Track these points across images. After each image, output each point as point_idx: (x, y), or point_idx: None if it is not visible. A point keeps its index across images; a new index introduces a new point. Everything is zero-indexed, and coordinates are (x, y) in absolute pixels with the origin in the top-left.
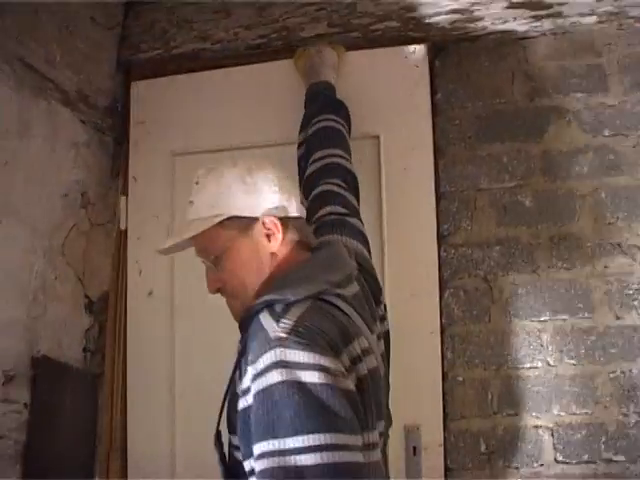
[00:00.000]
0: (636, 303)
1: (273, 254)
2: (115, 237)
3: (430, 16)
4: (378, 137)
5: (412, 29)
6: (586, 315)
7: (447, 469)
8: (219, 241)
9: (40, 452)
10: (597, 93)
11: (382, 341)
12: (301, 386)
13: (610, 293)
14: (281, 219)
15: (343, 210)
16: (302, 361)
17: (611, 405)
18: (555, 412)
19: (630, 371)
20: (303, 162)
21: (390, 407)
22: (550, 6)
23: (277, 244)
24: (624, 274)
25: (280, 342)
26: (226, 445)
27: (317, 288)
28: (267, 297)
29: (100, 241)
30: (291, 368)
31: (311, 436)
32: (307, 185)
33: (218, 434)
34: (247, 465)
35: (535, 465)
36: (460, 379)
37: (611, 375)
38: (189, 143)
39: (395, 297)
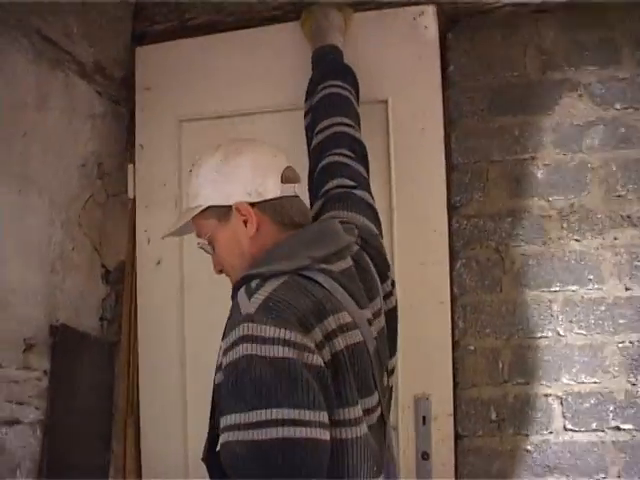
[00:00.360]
0: None
1: (252, 237)
2: (130, 207)
3: None
4: (386, 102)
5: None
6: (596, 286)
7: (458, 436)
8: (204, 229)
9: (60, 418)
10: (609, 66)
11: (382, 317)
12: (265, 360)
13: (620, 264)
14: (256, 204)
15: (350, 183)
16: (268, 336)
17: (619, 374)
18: (564, 381)
19: (638, 341)
20: (310, 132)
21: (393, 381)
22: None
23: (253, 228)
24: (634, 246)
25: (249, 317)
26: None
27: (296, 264)
28: (245, 274)
29: (116, 211)
30: (257, 343)
31: (269, 410)
32: (314, 157)
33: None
34: None
35: (544, 433)
36: (471, 348)
37: (620, 345)
38: (196, 109)
39: (404, 265)
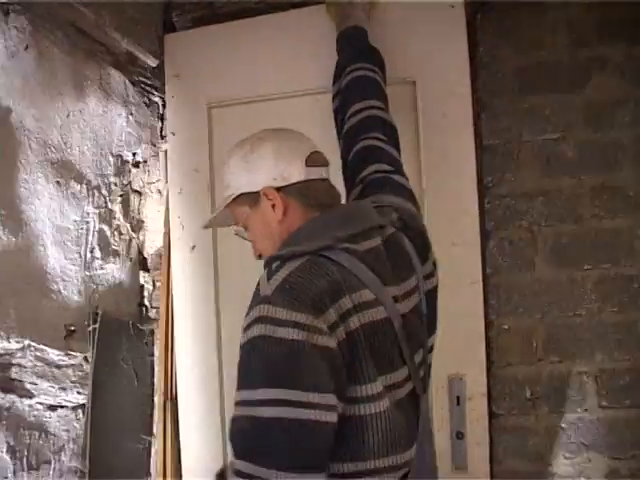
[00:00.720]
0: None
1: (280, 221)
2: (165, 194)
3: None
4: (414, 82)
5: None
6: (629, 263)
7: (492, 415)
8: (239, 216)
9: (102, 403)
10: (639, 43)
11: (417, 296)
12: (275, 341)
13: None
14: (282, 188)
15: (388, 167)
16: (281, 318)
17: None
18: (599, 358)
19: None
20: (339, 115)
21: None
22: None
23: (280, 212)
24: None
25: (266, 299)
26: None
27: (318, 244)
28: (268, 257)
29: (153, 199)
30: (269, 324)
31: (273, 390)
32: (346, 141)
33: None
34: None
35: (579, 410)
36: (505, 327)
37: None
38: (224, 95)
39: (436, 246)
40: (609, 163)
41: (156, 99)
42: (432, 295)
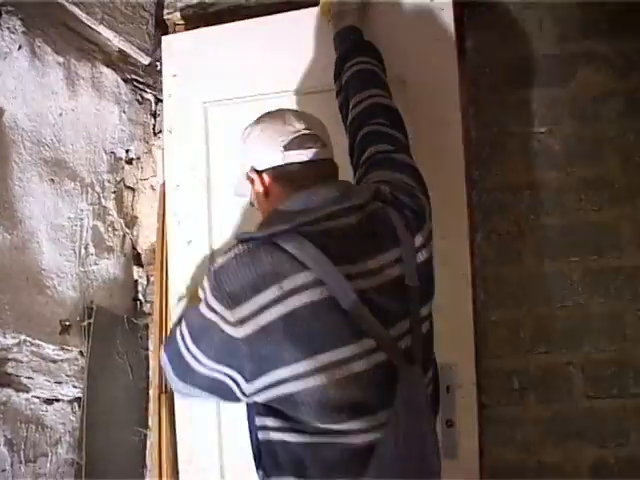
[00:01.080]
0: None
1: (264, 201)
2: (160, 190)
3: None
4: (404, 81)
5: None
6: (615, 255)
7: (481, 406)
8: (250, 191)
9: (97, 396)
10: (625, 37)
11: (396, 268)
12: (199, 312)
13: (638, 234)
14: (265, 170)
15: (390, 147)
16: (207, 298)
17: (639, 342)
18: (585, 349)
19: None
20: (344, 109)
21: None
22: None
23: (261, 193)
24: None
25: (208, 276)
26: None
27: (272, 230)
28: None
29: (146, 195)
30: (204, 295)
31: (183, 336)
32: (351, 131)
33: None
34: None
35: (566, 400)
36: (493, 319)
37: (639, 313)
38: (221, 92)
39: None
40: (595, 156)
41: (149, 96)
42: (427, 266)
